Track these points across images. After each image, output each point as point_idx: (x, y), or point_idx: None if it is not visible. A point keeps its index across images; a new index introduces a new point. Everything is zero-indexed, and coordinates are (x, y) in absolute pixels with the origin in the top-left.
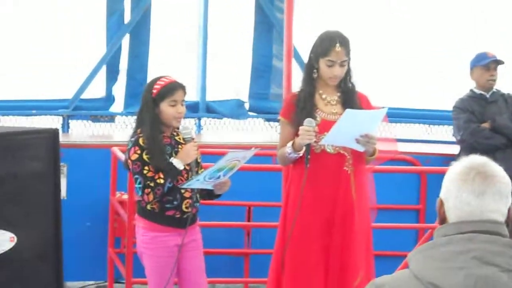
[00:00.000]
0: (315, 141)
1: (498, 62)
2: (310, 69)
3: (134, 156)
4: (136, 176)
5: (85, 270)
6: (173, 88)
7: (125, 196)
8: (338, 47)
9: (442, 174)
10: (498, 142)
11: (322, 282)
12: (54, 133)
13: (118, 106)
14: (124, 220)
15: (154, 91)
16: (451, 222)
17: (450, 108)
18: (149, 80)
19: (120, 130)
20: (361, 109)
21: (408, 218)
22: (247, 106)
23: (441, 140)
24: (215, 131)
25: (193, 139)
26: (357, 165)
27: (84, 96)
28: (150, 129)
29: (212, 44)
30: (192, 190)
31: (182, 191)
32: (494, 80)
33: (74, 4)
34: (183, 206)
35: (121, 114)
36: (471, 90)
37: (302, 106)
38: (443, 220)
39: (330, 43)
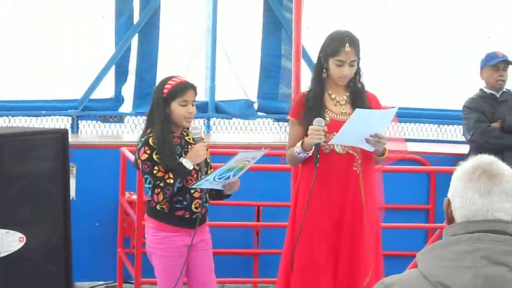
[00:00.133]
0: (324, 141)
1: (508, 62)
2: (319, 69)
3: (144, 156)
4: (146, 176)
5: (95, 270)
6: (184, 88)
7: (134, 196)
8: (347, 47)
9: (451, 174)
10: (508, 142)
11: (331, 282)
12: (63, 133)
13: (127, 106)
14: (133, 220)
15: (165, 90)
16: (458, 222)
17: (460, 108)
18: (158, 80)
19: (129, 131)
20: (371, 109)
21: (418, 218)
22: (256, 106)
23: (451, 139)
24: (224, 131)
25: (202, 139)
26: (366, 165)
27: (93, 96)
28: (160, 129)
29: (221, 44)
30: (202, 190)
31: (192, 191)
32: (504, 80)
33: (75, 4)
34: (193, 206)
35: (130, 114)
36: (481, 90)
37: (311, 106)
38: (450, 220)
39: (339, 43)
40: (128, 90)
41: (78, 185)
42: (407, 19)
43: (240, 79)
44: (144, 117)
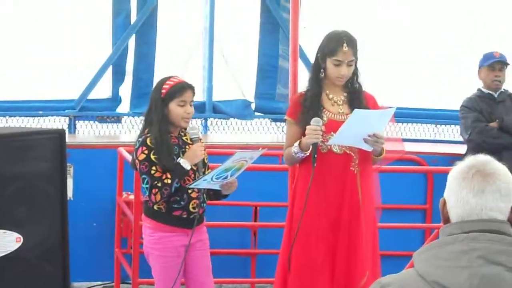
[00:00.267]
0: (322, 141)
1: (504, 63)
2: (317, 69)
3: (142, 156)
4: (144, 176)
5: (92, 270)
6: (182, 88)
7: (132, 197)
8: (345, 47)
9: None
10: (505, 142)
11: (328, 282)
12: (60, 133)
13: (124, 106)
14: (130, 221)
15: (163, 91)
16: (454, 222)
17: (457, 108)
18: (155, 80)
19: (127, 131)
20: (368, 109)
21: (415, 218)
22: (253, 106)
23: (448, 139)
24: (222, 132)
25: (200, 139)
26: (363, 165)
27: (91, 96)
28: (158, 129)
29: (218, 44)
30: (199, 190)
31: (189, 191)
32: (500, 81)
33: (75, 4)
34: (190, 206)
35: (128, 114)
36: (479, 90)
37: (309, 106)
38: (446, 220)
39: (337, 43)
40: (126, 90)
41: (76, 185)
42: (410, 21)
43: (238, 80)
44: (142, 117)
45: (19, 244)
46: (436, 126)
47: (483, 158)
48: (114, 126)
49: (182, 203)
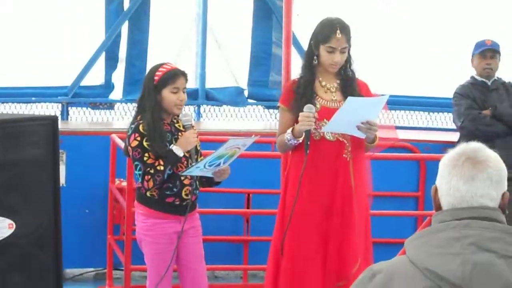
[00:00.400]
0: (314, 128)
1: (495, 51)
2: (310, 56)
3: (134, 143)
4: (136, 162)
5: (84, 257)
6: (175, 75)
7: (124, 183)
8: (338, 34)
9: None
10: (499, 130)
11: (321, 269)
12: (53, 120)
13: (117, 93)
14: (123, 207)
15: (156, 77)
16: (445, 209)
17: (450, 95)
18: (148, 67)
19: (119, 117)
20: (361, 96)
21: (407, 205)
22: (246, 93)
23: (441, 127)
24: (214, 119)
25: (193, 126)
26: (356, 152)
27: (84, 83)
28: (151, 116)
29: (211, 31)
30: (192, 177)
31: (182, 178)
32: (492, 69)
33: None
34: (183, 193)
35: (120, 101)
36: (472, 77)
37: (302, 93)
38: (438, 207)
39: (330, 30)
40: (118, 77)
41: (68, 172)
42: (410, 18)
43: (231, 66)
44: (134, 104)
45: (11, 230)
46: (429, 113)
47: (474, 146)
48: (107, 113)
49: (174, 189)
